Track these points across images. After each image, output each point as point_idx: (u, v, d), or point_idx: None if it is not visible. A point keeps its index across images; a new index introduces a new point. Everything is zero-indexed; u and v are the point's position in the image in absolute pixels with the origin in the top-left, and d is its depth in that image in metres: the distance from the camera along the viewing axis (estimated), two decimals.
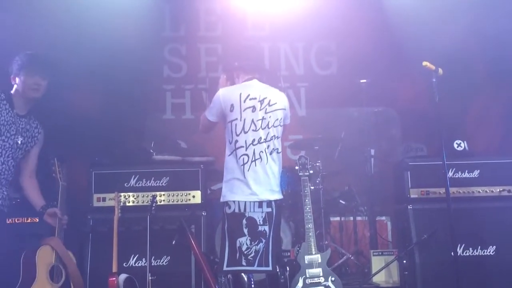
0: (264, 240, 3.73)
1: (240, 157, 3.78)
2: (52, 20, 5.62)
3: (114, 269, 4.23)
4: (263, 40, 6.96)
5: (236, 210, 3.76)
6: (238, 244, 3.71)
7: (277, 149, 3.87)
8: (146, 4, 6.12)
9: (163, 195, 4.83)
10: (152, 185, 4.86)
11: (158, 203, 4.68)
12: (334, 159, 5.91)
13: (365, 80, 5.88)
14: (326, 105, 6.53)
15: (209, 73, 6.78)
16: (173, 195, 4.85)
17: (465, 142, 5.10)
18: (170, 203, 4.82)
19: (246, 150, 3.79)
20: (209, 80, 6.74)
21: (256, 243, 3.72)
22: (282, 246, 5.01)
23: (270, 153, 3.82)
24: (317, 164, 5.46)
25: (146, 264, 4.46)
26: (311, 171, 4.41)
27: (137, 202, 4.80)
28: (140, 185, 4.86)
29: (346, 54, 6.69)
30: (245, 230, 3.73)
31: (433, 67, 4.02)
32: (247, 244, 3.71)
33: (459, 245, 4.58)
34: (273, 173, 3.82)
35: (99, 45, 5.84)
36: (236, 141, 3.81)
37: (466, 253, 4.67)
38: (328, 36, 6.78)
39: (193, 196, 4.86)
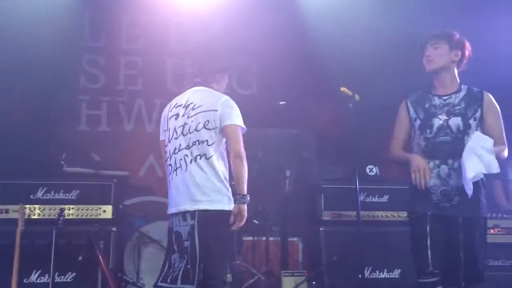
0: (186, 257, 3.35)
1: (167, 168, 3.60)
2: None
3: (14, 286, 4.01)
4: (187, 54, 6.90)
5: (170, 225, 3.54)
6: (172, 261, 3.43)
7: (205, 154, 3.45)
8: (66, 12, 5.94)
9: (72, 208, 4.67)
10: (61, 197, 4.69)
11: (66, 217, 4.51)
12: (251, 178, 5.90)
13: (284, 102, 5.94)
14: (245, 124, 6.52)
15: (127, 86, 6.64)
16: (83, 209, 4.69)
17: (376, 167, 5.26)
18: (79, 217, 4.67)
19: (170, 160, 3.56)
20: (128, 93, 6.63)
21: (181, 260, 3.39)
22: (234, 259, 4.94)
23: (193, 160, 3.44)
24: (233, 183, 5.42)
25: (49, 280, 4.27)
26: None
27: (43, 215, 4.61)
28: (47, 197, 4.67)
29: (267, 75, 6.75)
30: (175, 246, 3.44)
31: (350, 93, 4.12)
32: (177, 261, 3.41)
33: (366, 268, 4.69)
34: (195, 181, 3.42)
35: (12, 48, 5.61)
36: (165, 152, 3.64)
37: (372, 275, 4.79)
38: (249, 56, 6.82)
39: (104, 211, 4.72)
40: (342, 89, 4.10)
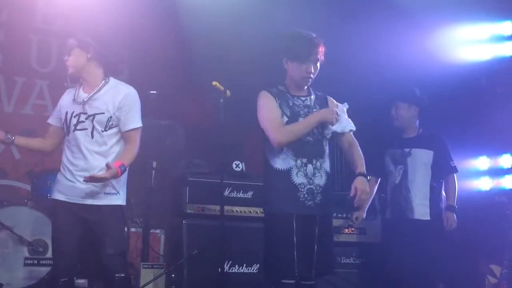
0: None
1: None
2: None
3: None
4: (53, 35, 6.56)
5: None
6: None
7: None
8: None
9: None
10: None
11: None
12: None
13: (154, 92, 5.84)
14: None
15: None
16: None
17: (243, 163, 5.34)
18: None
19: None
20: None
21: None
22: None
23: None
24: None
25: None
26: None
27: None
28: None
29: (139, 63, 6.61)
30: None
31: (222, 88, 4.13)
32: None
33: (226, 262, 4.75)
34: None
35: None
36: None
37: (232, 269, 4.86)
38: (122, 43, 6.62)
39: None
40: (214, 83, 4.10)
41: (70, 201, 3.56)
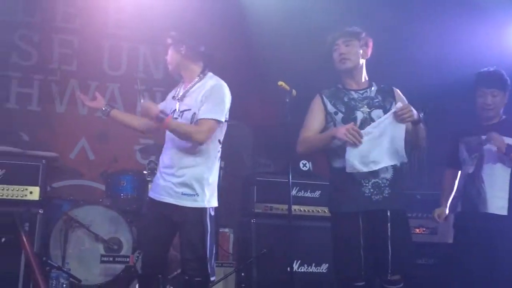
0: None
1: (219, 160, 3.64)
2: None
3: None
4: (123, 39, 6.78)
5: None
6: None
7: None
8: None
9: None
10: None
11: None
12: None
13: None
14: None
15: (61, 65, 6.44)
16: (8, 189, 4.51)
17: (310, 163, 5.34)
18: (4, 197, 4.49)
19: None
20: (61, 73, 6.42)
21: None
22: None
23: None
24: None
25: None
26: None
27: None
28: None
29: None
30: None
31: (288, 88, 4.12)
32: None
33: (295, 261, 4.76)
34: None
35: None
36: (221, 143, 3.65)
37: (301, 269, 4.86)
38: None
39: (31, 192, 4.56)
40: (280, 83, 4.09)
41: (155, 198, 3.53)
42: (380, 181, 3.39)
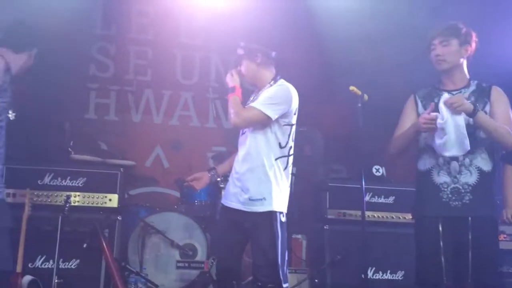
0: None
1: (290, 166, 3.58)
2: None
3: (19, 270, 4.02)
4: (195, 49, 6.92)
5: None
6: None
7: None
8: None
9: (78, 195, 4.68)
10: (68, 184, 4.70)
11: (72, 204, 4.52)
12: None
13: None
14: None
15: (137, 76, 6.66)
16: (89, 196, 4.70)
17: (383, 168, 5.26)
18: (85, 204, 4.68)
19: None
20: (137, 83, 6.64)
21: None
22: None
23: None
24: None
25: (53, 266, 4.29)
26: None
27: (50, 201, 4.62)
28: (54, 183, 4.68)
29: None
30: None
31: (359, 93, 4.08)
32: None
33: (370, 268, 4.70)
34: None
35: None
36: (291, 147, 3.55)
37: (376, 276, 4.79)
38: None
39: (110, 200, 4.73)
40: (351, 88, 4.05)
41: (226, 205, 3.57)
42: (461, 187, 3.31)
